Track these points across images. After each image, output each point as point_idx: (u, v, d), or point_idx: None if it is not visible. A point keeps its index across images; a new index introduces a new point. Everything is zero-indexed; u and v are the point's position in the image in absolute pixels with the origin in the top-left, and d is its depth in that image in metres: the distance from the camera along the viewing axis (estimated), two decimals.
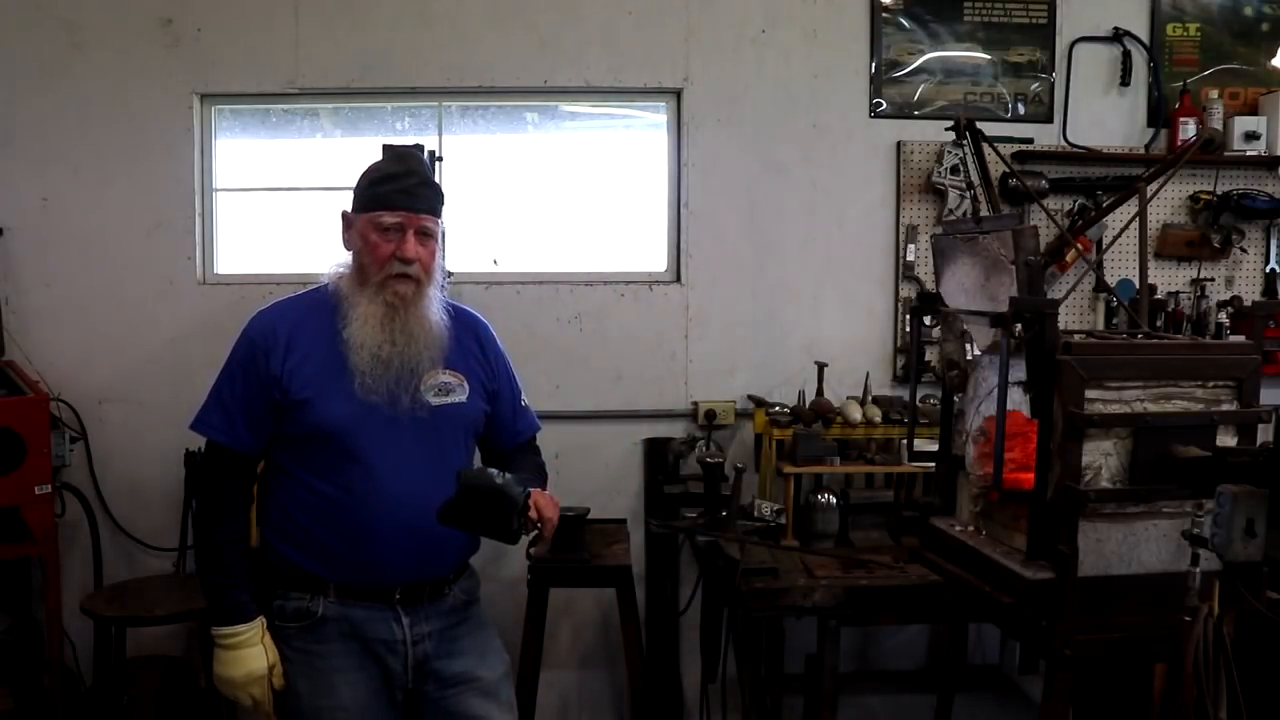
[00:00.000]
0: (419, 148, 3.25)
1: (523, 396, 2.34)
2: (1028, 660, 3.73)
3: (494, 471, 1.96)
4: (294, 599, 2.06)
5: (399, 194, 2.05)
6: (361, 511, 2.01)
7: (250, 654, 2.01)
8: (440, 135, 3.73)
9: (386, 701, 2.10)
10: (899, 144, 3.70)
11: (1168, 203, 3.73)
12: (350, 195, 2.15)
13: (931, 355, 3.01)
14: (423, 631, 2.10)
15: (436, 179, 2.15)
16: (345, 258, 2.15)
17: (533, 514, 2.04)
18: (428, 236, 2.08)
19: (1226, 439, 1.98)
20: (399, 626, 2.08)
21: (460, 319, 2.20)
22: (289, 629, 2.06)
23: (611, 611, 3.38)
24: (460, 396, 2.13)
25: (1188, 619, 1.83)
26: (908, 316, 3.33)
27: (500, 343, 2.30)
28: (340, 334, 2.04)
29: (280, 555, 2.07)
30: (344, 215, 2.15)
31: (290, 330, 2.07)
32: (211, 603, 2.05)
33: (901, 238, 3.72)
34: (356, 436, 2.01)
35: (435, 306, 2.12)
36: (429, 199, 2.09)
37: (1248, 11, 3.80)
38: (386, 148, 3.25)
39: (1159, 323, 3.63)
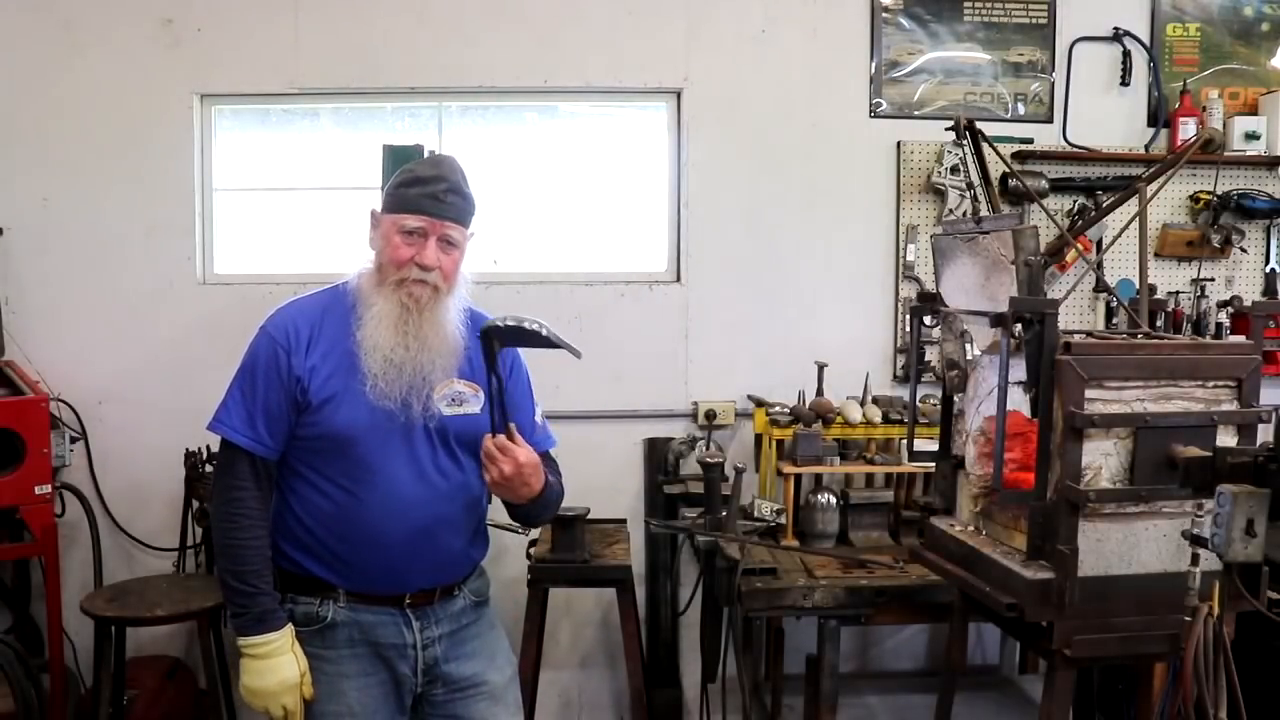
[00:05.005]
0: (418, 147, 3.25)
1: (538, 413, 2.27)
2: (1027, 660, 3.74)
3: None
4: (303, 603, 2.05)
5: (426, 199, 2.01)
6: (371, 519, 2.00)
7: (282, 662, 1.97)
8: (440, 135, 3.73)
9: (396, 706, 2.09)
10: (899, 144, 3.70)
11: (1168, 203, 3.73)
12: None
13: (931, 355, 3.02)
14: (433, 635, 2.09)
15: (469, 188, 2.10)
16: (371, 257, 2.12)
17: (489, 450, 1.96)
18: (451, 245, 2.06)
19: (1226, 439, 1.98)
20: (409, 630, 2.07)
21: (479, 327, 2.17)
22: (299, 633, 2.03)
23: (611, 611, 3.39)
24: (473, 408, 2.10)
25: (1188, 619, 1.83)
26: (908, 316, 3.33)
27: (519, 355, 2.25)
28: (354, 335, 2.01)
29: (288, 559, 2.06)
30: (372, 213, 2.11)
31: (311, 328, 2.04)
32: (237, 611, 1.99)
33: (901, 238, 3.72)
34: (369, 442, 1.99)
35: (453, 315, 2.08)
36: (457, 208, 2.05)
37: (1248, 11, 3.80)
38: (386, 147, 3.27)
39: (1159, 323, 3.63)
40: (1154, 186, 2.81)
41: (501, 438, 1.97)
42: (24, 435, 3.21)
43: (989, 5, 3.72)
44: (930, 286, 3.08)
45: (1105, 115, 3.77)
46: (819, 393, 3.42)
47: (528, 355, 2.27)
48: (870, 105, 3.73)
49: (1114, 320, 3.69)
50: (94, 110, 3.56)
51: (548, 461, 2.25)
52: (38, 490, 3.23)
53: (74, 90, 3.56)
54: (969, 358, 2.32)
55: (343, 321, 2.05)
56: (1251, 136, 3.65)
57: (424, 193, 2.02)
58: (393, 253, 2.02)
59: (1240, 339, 3.15)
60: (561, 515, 3.02)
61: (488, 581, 2.26)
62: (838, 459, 3.25)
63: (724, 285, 3.71)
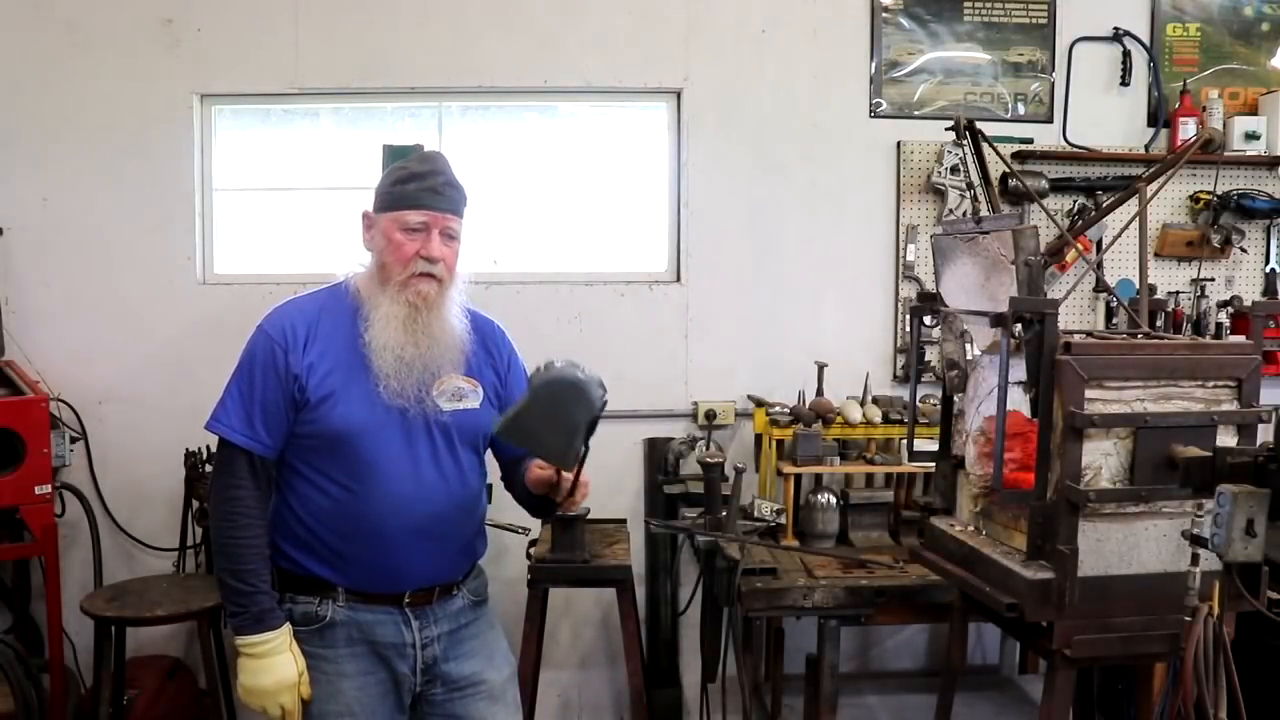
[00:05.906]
0: (418, 147, 3.25)
1: None
2: (1027, 660, 3.74)
3: (572, 365, 1.95)
4: (302, 602, 2.05)
5: (425, 193, 2.03)
6: (372, 516, 2.00)
7: (279, 662, 1.97)
8: (440, 135, 3.73)
9: (395, 705, 2.09)
10: (899, 144, 3.70)
11: (1168, 203, 3.73)
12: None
13: (931, 355, 3.02)
14: (431, 634, 2.09)
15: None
16: (364, 259, 2.13)
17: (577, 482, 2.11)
18: (451, 238, 2.08)
19: (1226, 439, 1.98)
20: (408, 630, 2.07)
21: (475, 324, 2.17)
22: (297, 633, 2.03)
23: (611, 611, 3.38)
24: (473, 403, 2.11)
25: (1188, 619, 1.83)
26: (908, 316, 3.33)
27: (515, 350, 2.27)
28: (361, 336, 2.01)
29: (287, 558, 2.05)
30: (365, 215, 2.12)
31: (308, 327, 2.04)
32: (235, 610, 1.99)
33: (901, 238, 3.72)
34: (370, 440, 1.99)
35: (456, 309, 2.10)
36: (454, 199, 2.07)
37: (1248, 11, 3.80)
38: (386, 147, 3.27)
39: (1159, 323, 3.61)
40: (1154, 186, 2.81)
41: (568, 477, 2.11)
42: (24, 435, 3.20)
43: (989, 5, 3.72)
44: (930, 286, 3.08)
45: (1105, 115, 3.77)
46: (819, 393, 3.42)
47: (522, 349, 2.29)
48: (870, 105, 3.73)
49: (1114, 320, 3.69)
50: (94, 110, 3.56)
51: None
52: (38, 490, 3.23)
53: (74, 90, 3.56)
54: (969, 358, 2.32)
55: (342, 321, 2.06)
56: (1251, 136, 3.66)
57: (422, 187, 2.03)
58: (396, 251, 2.03)
59: (1240, 339, 3.15)
60: (561, 515, 3.01)
61: (486, 581, 2.26)
62: (838, 459, 3.25)
63: (724, 285, 3.71)
